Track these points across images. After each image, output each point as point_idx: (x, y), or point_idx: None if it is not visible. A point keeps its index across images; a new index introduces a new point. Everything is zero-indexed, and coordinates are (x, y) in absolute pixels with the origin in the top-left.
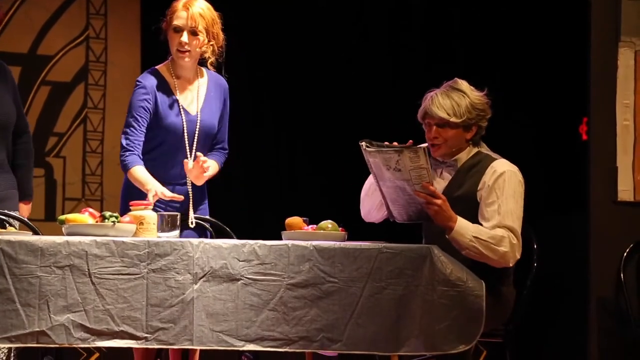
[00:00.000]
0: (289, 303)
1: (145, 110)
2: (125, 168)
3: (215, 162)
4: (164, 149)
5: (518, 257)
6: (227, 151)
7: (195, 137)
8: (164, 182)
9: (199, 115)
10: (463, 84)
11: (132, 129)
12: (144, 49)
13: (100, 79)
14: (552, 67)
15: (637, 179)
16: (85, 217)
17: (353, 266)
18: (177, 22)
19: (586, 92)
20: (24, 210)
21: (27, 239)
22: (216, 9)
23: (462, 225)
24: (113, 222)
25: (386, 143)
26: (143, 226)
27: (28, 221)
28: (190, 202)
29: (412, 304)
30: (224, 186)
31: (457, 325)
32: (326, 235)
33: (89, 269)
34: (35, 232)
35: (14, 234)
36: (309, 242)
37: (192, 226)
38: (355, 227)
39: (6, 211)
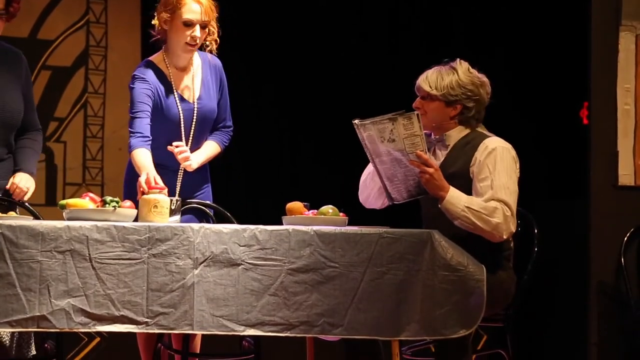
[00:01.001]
0: (290, 288)
1: (149, 99)
2: (129, 150)
3: (216, 143)
4: (161, 137)
5: (512, 230)
6: (231, 128)
7: (193, 125)
8: (163, 168)
9: (196, 104)
10: (460, 64)
11: (138, 115)
12: (144, 33)
13: (101, 63)
14: (553, 51)
15: (638, 163)
16: (86, 202)
17: (354, 251)
18: (189, 16)
19: (587, 76)
20: (23, 179)
21: (28, 224)
22: None
23: (454, 195)
24: (114, 207)
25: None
26: (157, 209)
27: (29, 206)
28: (177, 187)
29: (412, 289)
30: (226, 171)
31: (458, 310)
32: (327, 220)
33: (89, 254)
34: (36, 217)
35: (15, 219)
36: (310, 227)
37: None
38: (356, 212)
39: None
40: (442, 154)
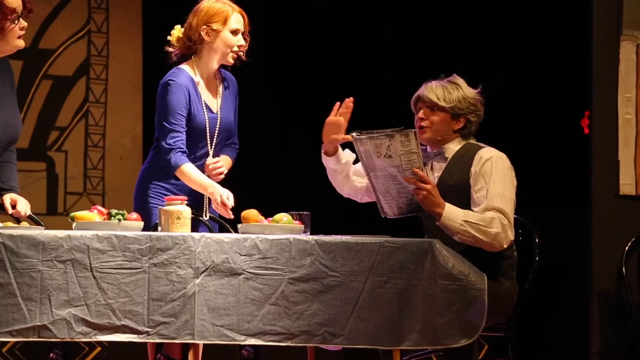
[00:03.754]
0: (291, 297)
1: (185, 109)
2: (175, 166)
3: (229, 157)
4: (187, 144)
5: (511, 238)
6: (237, 146)
7: (216, 134)
8: None
9: (219, 113)
10: (459, 79)
11: (178, 129)
12: (146, 43)
13: (102, 73)
14: (554, 60)
15: (639, 172)
16: (93, 214)
17: (354, 260)
18: (237, 25)
19: (588, 85)
20: (22, 205)
21: (29, 233)
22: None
23: (451, 210)
24: (119, 219)
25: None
26: (180, 221)
27: (34, 216)
28: (206, 197)
29: (413, 298)
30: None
31: (459, 319)
32: (283, 227)
33: (90, 263)
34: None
35: (16, 228)
36: (311, 237)
37: (206, 218)
38: (356, 221)
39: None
40: (440, 167)
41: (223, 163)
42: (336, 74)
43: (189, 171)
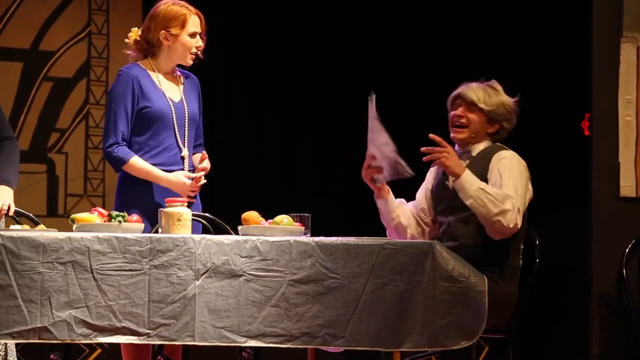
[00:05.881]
0: (291, 299)
1: (133, 100)
2: (122, 161)
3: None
4: (154, 135)
5: (518, 224)
6: (204, 149)
7: (185, 123)
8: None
9: (184, 102)
10: (498, 85)
11: (120, 121)
12: None
13: (102, 74)
14: (554, 62)
15: (639, 174)
16: (93, 216)
17: (355, 262)
18: (195, 28)
19: (588, 87)
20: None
21: (29, 235)
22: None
23: (469, 176)
24: (119, 221)
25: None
26: (180, 222)
27: (34, 217)
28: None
29: (414, 300)
30: (223, 181)
31: (459, 321)
32: (284, 229)
33: (91, 265)
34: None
35: (16, 230)
36: (311, 238)
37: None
38: (356, 222)
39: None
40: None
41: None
42: (336, 75)
43: (138, 163)
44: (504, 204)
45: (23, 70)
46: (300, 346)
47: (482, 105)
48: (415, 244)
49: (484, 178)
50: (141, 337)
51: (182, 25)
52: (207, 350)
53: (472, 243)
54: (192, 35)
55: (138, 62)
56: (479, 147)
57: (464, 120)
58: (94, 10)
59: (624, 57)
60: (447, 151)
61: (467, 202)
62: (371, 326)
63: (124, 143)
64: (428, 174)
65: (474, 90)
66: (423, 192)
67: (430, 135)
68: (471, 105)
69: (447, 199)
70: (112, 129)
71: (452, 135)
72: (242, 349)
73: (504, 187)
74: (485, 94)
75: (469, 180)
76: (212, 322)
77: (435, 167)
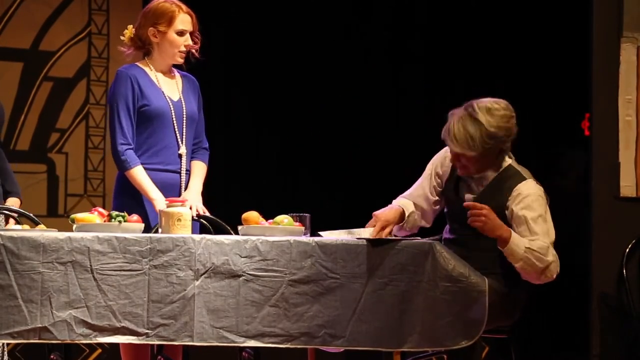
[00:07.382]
0: (291, 299)
1: (133, 99)
2: (126, 167)
3: (202, 163)
4: (153, 134)
5: (558, 271)
6: (208, 150)
7: (184, 121)
8: (156, 168)
9: (182, 101)
10: (480, 110)
11: (125, 120)
12: None
13: (102, 74)
14: (554, 62)
15: (639, 174)
16: (94, 216)
17: (355, 262)
18: (183, 26)
19: (588, 87)
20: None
21: (29, 235)
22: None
23: (517, 238)
24: (119, 221)
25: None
26: (180, 222)
27: (35, 217)
28: (182, 188)
29: (414, 300)
30: (223, 182)
31: (460, 321)
32: (284, 229)
33: (91, 265)
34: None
35: (16, 230)
36: (311, 238)
37: (195, 217)
38: (356, 222)
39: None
40: (477, 189)
41: (200, 173)
42: (336, 75)
43: (139, 175)
44: (547, 256)
45: (23, 70)
46: (299, 346)
47: (469, 153)
48: (415, 244)
49: (501, 208)
50: (140, 337)
51: (170, 22)
52: (207, 350)
53: (485, 253)
54: (180, 33)
55: (136, 63)
56: (491, 174)
57: (460, 165)
58: (94, 10)
59: (624, 57)
60: (483, 214)
61: (517, 265)
62: (371, 326)
63: (132, 145)
64: (427, 172)
65: (456, 140)
66: (423, 193)
67: (465, 204)
68: (460, 157)
69: (463, 214)
70: (118, 128)
71: (459, 171)
72: (242, 349)
73: (538, 234)
74: (467, 139)
75: (517, 244)
76: (210, 322)
77: (435, 167)
